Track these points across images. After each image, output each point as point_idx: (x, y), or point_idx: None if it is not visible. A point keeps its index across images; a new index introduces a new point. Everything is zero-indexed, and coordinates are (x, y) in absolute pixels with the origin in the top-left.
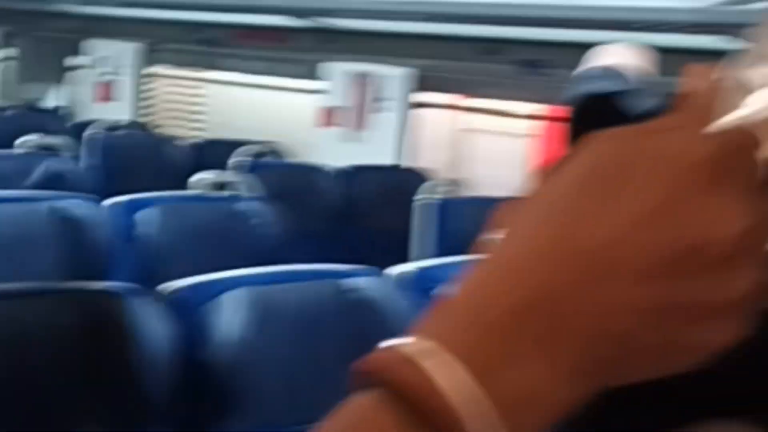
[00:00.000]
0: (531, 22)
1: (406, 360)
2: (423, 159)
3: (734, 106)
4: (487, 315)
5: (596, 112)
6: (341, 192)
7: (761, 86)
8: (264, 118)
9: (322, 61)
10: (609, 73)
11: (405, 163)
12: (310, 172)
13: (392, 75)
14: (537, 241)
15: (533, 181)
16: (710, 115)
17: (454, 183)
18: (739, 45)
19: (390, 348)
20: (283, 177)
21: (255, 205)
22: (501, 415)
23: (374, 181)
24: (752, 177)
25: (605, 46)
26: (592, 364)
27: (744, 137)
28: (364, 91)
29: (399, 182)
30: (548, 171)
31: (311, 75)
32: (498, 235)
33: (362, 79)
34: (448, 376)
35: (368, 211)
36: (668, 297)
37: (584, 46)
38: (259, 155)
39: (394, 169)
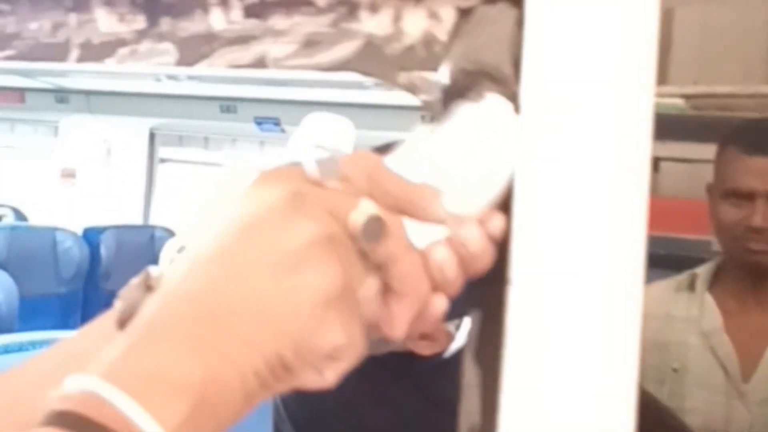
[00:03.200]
0: (266, 81)
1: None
2: (172, 214)
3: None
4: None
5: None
6: (84, 253)
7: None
8: (2, 179)
9: (61, 119)
10: (308, 143)
11: (153, 220)
12: (52, 233)
13: (133, 133)
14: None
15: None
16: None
17: None
18: None
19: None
20: (22, 240)
21: None
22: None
23: (121, 240)
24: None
25: (313, 116)
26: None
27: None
28: (106, 149)
29: (145, 240)
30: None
31: (52, 134)
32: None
33: (103, 137)
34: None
35: (114, 270)
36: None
37: (318, 104)
38: None
39: (140, 227)
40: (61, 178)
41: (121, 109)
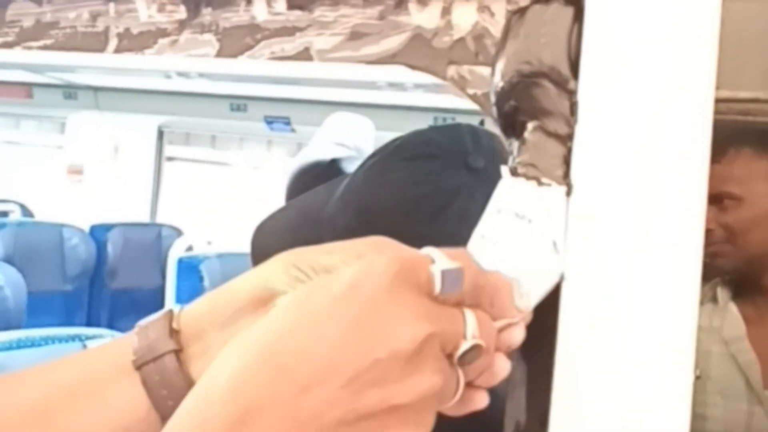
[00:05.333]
0: (277, 80)
1: None
2: (177, 213)
3: None
4: (207, 429)
5: (310, 176)
6: (91, 250)
7: None
8: (9, 175)
9: (68, 115)
10: (330, 141)
11: (159, 218)
12: (59, 230)
13: (141, 130)
14: (249, 359)
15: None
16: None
17: (209, 238)
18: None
19: None
20: (28, 236)
21: None
22: None
23: (127, 238)
24: (427, 290)
25: (335, 115)
26: None
27: (416, 256)
28: (114, 145)
29: (152, 238)
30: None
31: (58, 130)
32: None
33: (110, 134)
34: None
35: (121, 268)
36: (357, 406)
37: (329, 104)
38: (2, 214)
39: (147, 225)
40: (68, 174)
41: (130, 106)
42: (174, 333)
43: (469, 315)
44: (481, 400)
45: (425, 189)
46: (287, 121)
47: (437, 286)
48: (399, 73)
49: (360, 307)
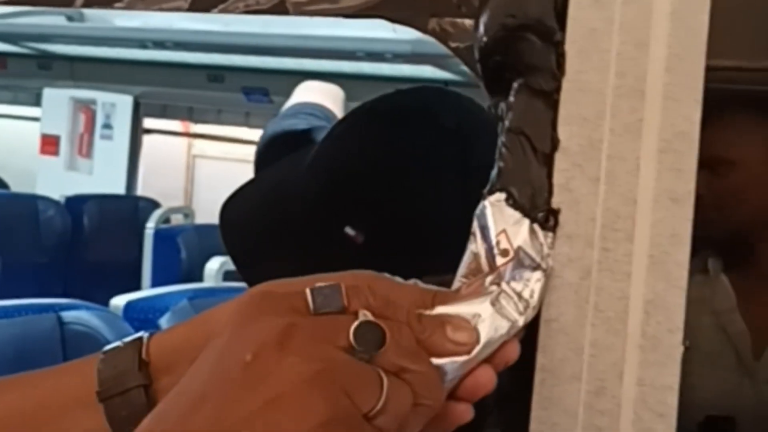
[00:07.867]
0: (254, 50)
1: None
2: (154, 186)
3: None
4: None
5: (280, 147)
6: (67, 222)
7: None
8: None
9: (43, 87)
10: (301, 111)
11: (135, 191)
12: (32, 201)
13: (117, 101)
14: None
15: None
16: None
17: (186, 210)
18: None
19: None
20: (3, 208)
21: None
22: None
23: (102, 210)
24: (305, 311)
25: (305, 84)
26: None
27: (289, 284)
28: (89, 117)
29: (129, 211)
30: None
31: (33, 102)
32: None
33: (86, 105)
34: None
35: (97, 240)
36: (239, 414)
37: (308, 74)
38: None
39: (124, 197)
40: (43, 146)
41: (106, 77)
42: (143, 365)
43: (362, 312)
44: (464, 414)
45: (397, 151)
46: (265, 92)
47: (311, 304)
48: (379, 42)
49: (228, 341)
